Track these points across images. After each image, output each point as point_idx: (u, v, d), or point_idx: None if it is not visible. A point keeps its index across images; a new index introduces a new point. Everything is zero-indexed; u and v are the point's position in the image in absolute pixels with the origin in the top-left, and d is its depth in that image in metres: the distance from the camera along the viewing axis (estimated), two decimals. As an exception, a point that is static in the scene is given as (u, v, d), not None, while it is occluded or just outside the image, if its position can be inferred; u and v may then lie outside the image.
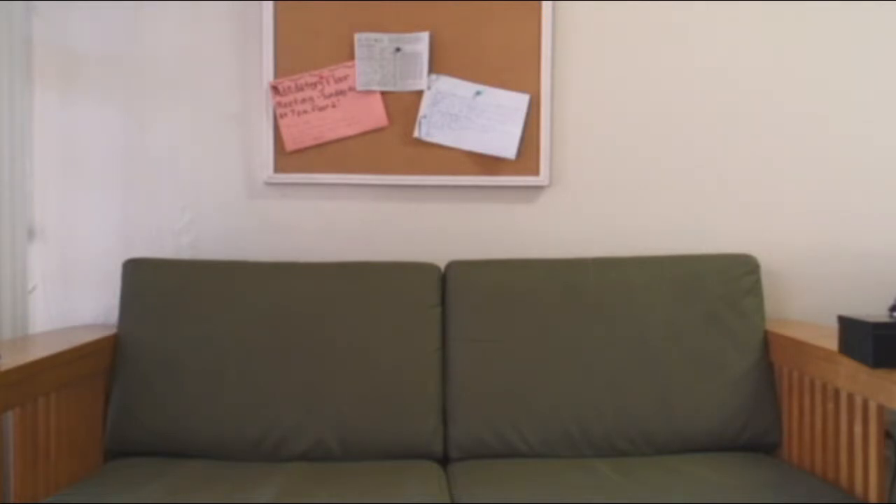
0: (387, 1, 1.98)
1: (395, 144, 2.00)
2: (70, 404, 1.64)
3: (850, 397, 1.52)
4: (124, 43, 1.99)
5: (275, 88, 1.98)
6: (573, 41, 2.03)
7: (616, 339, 1.80)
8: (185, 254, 2.01)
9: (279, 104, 1.98)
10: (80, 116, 1.99)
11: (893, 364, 1.40)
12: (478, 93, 1.99)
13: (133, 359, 1.77)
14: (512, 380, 1.77)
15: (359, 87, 1.99)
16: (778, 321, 1.94)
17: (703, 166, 2.05)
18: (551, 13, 1.99)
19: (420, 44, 1.98)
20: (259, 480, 1.55)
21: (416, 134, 1.99)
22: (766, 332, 1.84)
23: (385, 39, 1.98)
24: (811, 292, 2.04)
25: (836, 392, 1.57)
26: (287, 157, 2.00)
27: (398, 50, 1.98)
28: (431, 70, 1.99)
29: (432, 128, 1.99)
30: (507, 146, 1.99)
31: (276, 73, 1.98)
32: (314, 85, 1.99)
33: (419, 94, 1.99)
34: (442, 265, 1.89)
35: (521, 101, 2.00)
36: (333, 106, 1.99)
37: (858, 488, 1.49)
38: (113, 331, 1.82)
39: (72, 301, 2.00)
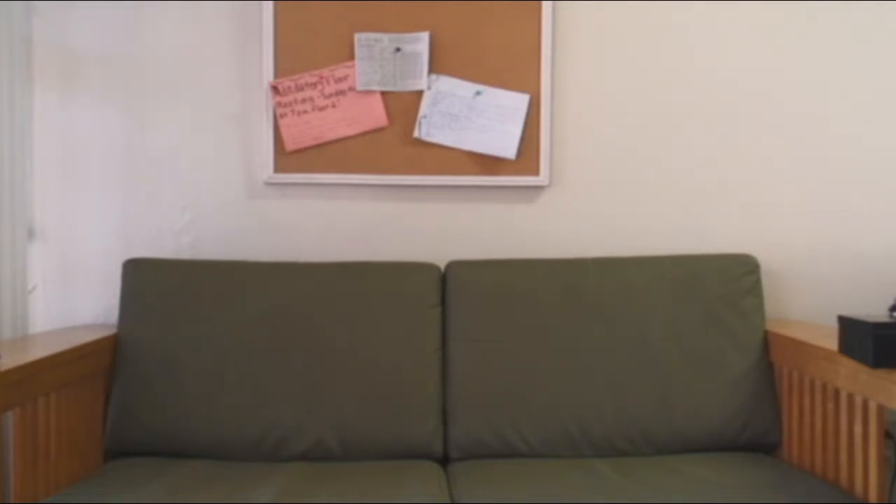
0: (387, 1, 1.98)
1: (395, 144, 2.00)
2: (70, 404, 1.64)
3: (850, 397, 1.52)
4: (124, 43, 1.99)
5: (275, 88, 1.98)
6: (573, 41, 2.03)
7: (616, 339, 1.80)
8: (185, 254, 2.01)
9: (279, 104, 1.98)
10: (80, 116, 1.99)
11: (893, 364, 1.40)
12: (478, 93, 1.99)
13: (133, 359, 1.77)
14: (512, 380, 1.77)
15: (359, 87, 1.99)
16: (778, 321, 1.94)
17: (703, 166, 2.05)
18: (551, 13, 1.99)
19: (420, 44, 1.98)
20: (259, 480, 1.55)
21: (416, 134, 1.99)
22: (766, 332, 1.84)
23: (385, 39, 1.98)
24: (811, 292, 2.04)
25: (836, 392, 1.57)
26: (287, 157, 2.00)
27: (398, 50, 1.98)
28: (431, 70, 1.99)
29: (432, 128, 1.99)
30: (507, 146, 1.99)
31: (276, 73, 1.98)
32: (314, 85, 1.99)
33: (419, 94, 1.99)
34: (442, 265, 1.89)
35: (521, 101, 2.00)
36: (333, 106, 1.99)
37: (858, 488, 1.49)
38: (113, 331, 1.82)
39: (72, 301, 2.00)
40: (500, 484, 1.56)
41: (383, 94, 1.99)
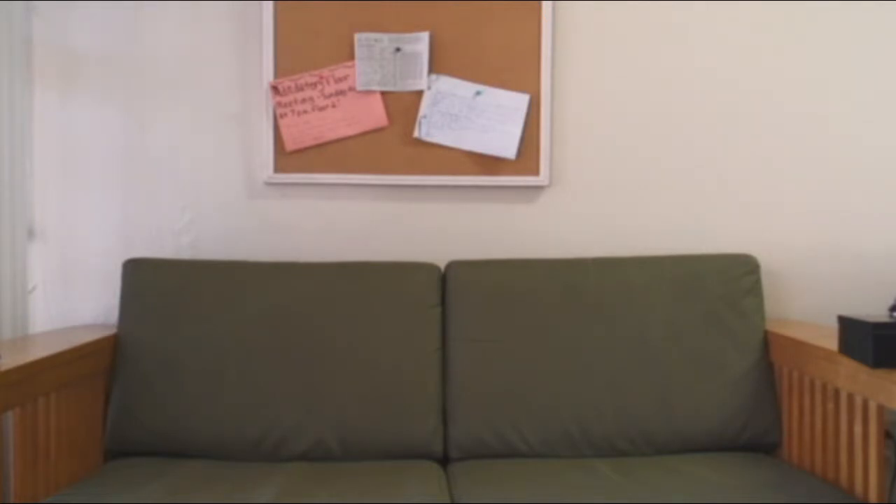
0: (387, 1, 1.98)
1: (395, 144, 2.00)
2: (70, 404, 1.64)
3: (850, 397, 1.52)
4: (124, 43, 1.99)
5: (275, 88, 1.98)
6: (573, 41, 2.03)
7: (616, 339, 1.80)
8: (185, 254, 2.01)
9: (279, 104, 1.98)
10: (80, 116, 1.99)
11: (893, 364, 1.40)
12: (478, 93, 1.99)
13: (133, 359, 1.77)
14: (512, 380, 1.77)
15: (359, 87, 1.99)
16: (778, 321, 1.94)
17: (703, 166, 2.05)
18: (551, 13, 1.99)
19: (420, 44, 1.98)
20: (259, 480, 1.55)
21: (416, 134, 1.99)
22: (766, 332, 1.84)
23: (385, 39, 1.98)
24: (811, 292, 2.04)
25: (836, 392, 1.57)
26: (287, 157, 2.00)
27: (398, 50, 1.98)
28: (431, 70, 1.99)
29: (432, 128, 1.99)
30: (507, 146, 1.99)
31: (276, 73, 1.98)
32: (314, 85, 1.99)
33: (419, 94, 1.99)
34: (442, 265, 1.89)
35: (521, 101, 2.00)
36: (333, 106, 1.99)
37: (858, 488, 1.49)
38: (113, 331, 1.82)
39: (72, 301, 2.00)
40: (500, 484, 1.56)
41: (383, 94, 1.99)
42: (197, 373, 1.75)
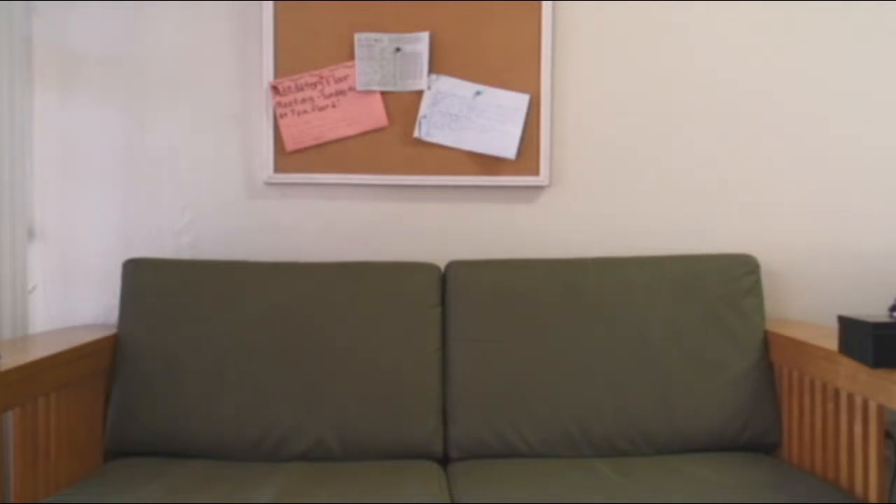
0: (387, 1, 1.98)
1: (395, 144, 2.00)
2: (70, 404, 1.64)
3: (850, 397, 1.52)
4: (124, 43, 1.99)
5: (275, 88, 1.98)
6: (573, 41, 2.03)
7: (616, 339, 1.80)
8: (185, 254, 2.01)
9: (279, 104, 1.98)
10: (80, 116, 1.99)
11: (893, 364, 1.40)
12: (478, 93, 1.99)
13: (133, 359, 1.77)
14: (512, 380, 1.77)
15: (359, 87, 1.99)
16: (778, 321, 1.94)
17: (703, 166, 2.05)
18: (551, 13, 1.99)
19: (420, 44, 1.98)
20: (259, 480, 1.55)
21: (416, 134, 1.99)
22: (766, 332, 1.84)
23: (385, 39, 1.98)
24: (811, 292, 2.04)
25: (836, 392, 1.57)
26: (287, 157, 2.00)
27: (398, 50, 1.98)
28: (431, 70, 1.99)
29: (432, 128, 1.99)
30: (507, 146, 1.99)
31: (276, 73, 1.98)
32: (314, 85, 1.99)
33: (419, 94, 1.99)
34: (442, 265, 1.89)
35: (521, 101, 2.00)
36: (333, 106, 1.99)
37: (858, 488, 1.49)
38: (113, 331, 1.82)
39: (72, 301, 2.00)
40: (500, 484, 1.56)
41: (383, 94, 1.99)
42: (197, 373, 1.75)
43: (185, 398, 1.74)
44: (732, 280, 1.86)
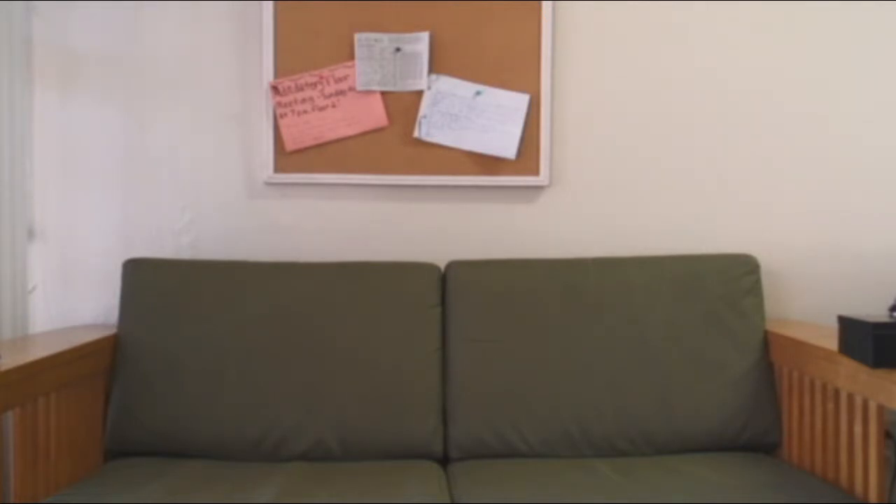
0: (387, 1, 1.98)
1: (395, 144, 2.00)
2: (70, 404, 1.64)
3: (850, 397, 1.52)
4: (124, 43, 1.99)
5: (275, 88, 1.98)
6: (573, 41, 2.03)
7: (616, 339, 1.80)
8: (185, 254, 2.01)
9: (279, 104, 1.98)
10: (80, 116, 1.99)
11: (893, 364, 1.40)
12: (478, 93, 1.99)
13: (133, 359, 1.77)
14: (512, 380, 1.77)
15: (359, 87, 1.99)
16: (778, 321, 1.94)
17: (703, 166, 2.05)
18: (551, 13, 1.99)
19: (420, 44, 1.98)
20: (259, 480, 1.55)
21: (416, 134, 1.99)
22: (766, 332, 1.84)
23: (385, 39, 1.98)
24: (811, 292, 2.04)
25: (836, 392, 1.57)
26: (287, 157, 2.00)
27: (398, 50, 1.98)
28: (431, 70, 1.99)
29: (432, 128, 1.99)
30: (507, 146, 1.99)
31: (276, 73, 1.98)
32: (314, 85, 1.99)
33: (419, 94, 1.99)
34: (442, 265, 1.89)
35: (521, 101, 2.00)
36: (333, 106, 1.99)
37: (858, 488, 1.49)
38: (113, 331, 1.82)
39: (72, 301, 2.00)
40: (500, 484, 1.56)
41: (383, 94, 1.99)
42: (197, 373, 1.75)
43: (185, 398, 1.74)
44: (732, 280, 1.86)
